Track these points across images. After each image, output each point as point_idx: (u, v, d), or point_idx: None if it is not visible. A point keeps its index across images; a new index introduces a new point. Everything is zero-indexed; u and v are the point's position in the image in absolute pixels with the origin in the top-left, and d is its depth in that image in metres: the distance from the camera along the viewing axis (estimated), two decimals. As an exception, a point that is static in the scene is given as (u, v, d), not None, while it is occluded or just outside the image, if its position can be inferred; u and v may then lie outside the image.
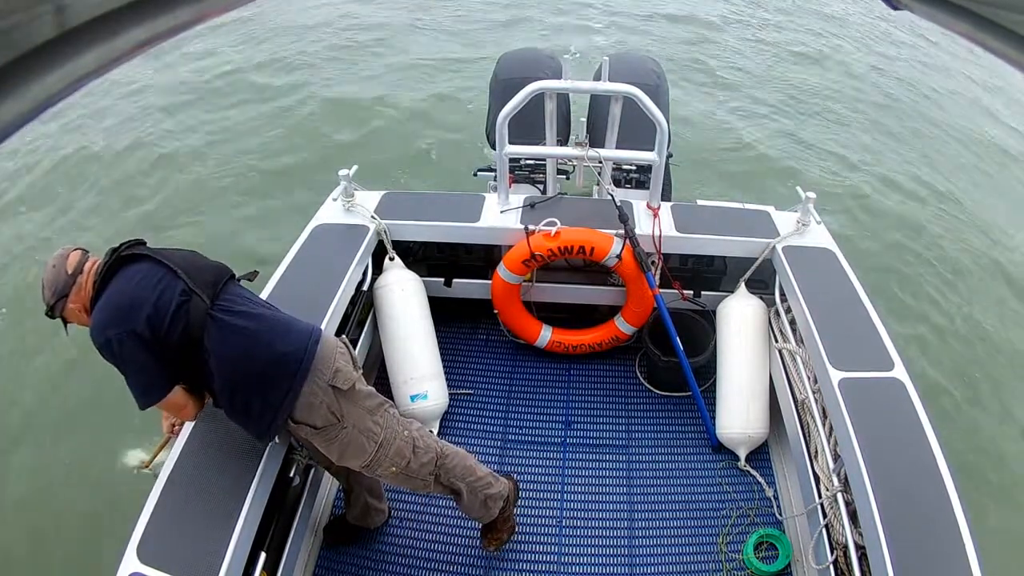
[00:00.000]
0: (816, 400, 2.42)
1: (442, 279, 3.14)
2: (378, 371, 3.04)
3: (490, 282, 2.99)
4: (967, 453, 3.60)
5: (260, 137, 6.63)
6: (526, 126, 3.04)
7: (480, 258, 3.16)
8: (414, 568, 2.42)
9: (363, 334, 2.88)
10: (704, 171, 6.01)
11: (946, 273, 5.12)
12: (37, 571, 3.08)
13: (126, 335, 1.65)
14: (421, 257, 3.21)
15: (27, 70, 0.35)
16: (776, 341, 2.78)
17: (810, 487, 2.34)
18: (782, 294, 2.76)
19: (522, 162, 3.56)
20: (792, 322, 2.71)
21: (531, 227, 2.80)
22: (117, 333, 1.65)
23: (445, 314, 3.13)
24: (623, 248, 2.77)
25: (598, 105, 3.28)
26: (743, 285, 2.92)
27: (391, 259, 2.96)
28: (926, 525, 1.77)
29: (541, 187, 3.50)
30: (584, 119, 3.20)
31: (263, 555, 1.91)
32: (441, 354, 2.93)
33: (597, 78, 2.93)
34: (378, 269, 2.95)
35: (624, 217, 2.78)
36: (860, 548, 1.94)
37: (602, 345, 3.11)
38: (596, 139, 3.02)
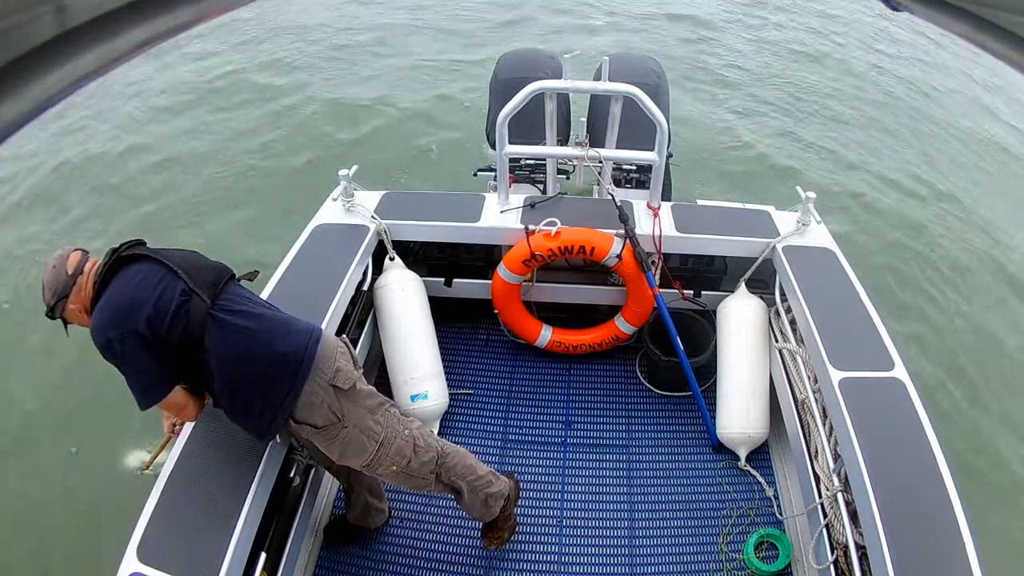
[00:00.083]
0: (816, 400, 2.42)
1: (442, 279, 3.14)
2: (378, 371, 3.04)
3: (490, 282, 2.99)
4: (967, 453, 3.60)
5: (260, 137, 6.63)
6: (526, 126, 3.04)
7: (480, 258, 3.16)
8: (414, 568, 2.42)
9: (363, 334, 2.88)
10: (704, 171, 6.00)
11: (947, 272, 5.12)
12: (37, 571, 3.08)
13: (127, 335, 1.65)
14: (421, 257, 3.21)
15: (27, 70, 0.35)
16: (776, 341, 2.78)
17: (810, 487, 2.34)
18: (782, 294, 2.76)
19: (522, 162, 3.55)
20: (792, 322, 2.70)
21: (531, 227, 2.80)
22: (118, 333, 1.65)
23: (445, 314, 3.13)
24: (623, 248, 2.77)
25: (598, 105, 3.28)
26: (743, 285, 2.92)
27: (391, 259, 2.96)
28: (926, 525, 1.77)
29: (541, 187, 3.50)
30: (584, 119, 3.20)
31: (263, 555, 1.91)
32: (441, 354, 2.93)
33: (597, 78, 2.93)
34: (378, 269, 2.95)
35: (624, 217, 2.78)
36: (860, 548, 1.94)
37: (602, 345, 3.11)
38: (596, 139, 3.02)
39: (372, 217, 2.89)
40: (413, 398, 2.78)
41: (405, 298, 2.89)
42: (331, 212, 2.94)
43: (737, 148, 6.61)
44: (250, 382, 1.76)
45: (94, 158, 6.32)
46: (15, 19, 0.33)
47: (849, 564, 1.98)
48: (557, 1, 10.29)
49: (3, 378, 4.02)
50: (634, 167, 3.55)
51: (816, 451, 2.36)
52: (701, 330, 2.99)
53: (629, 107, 2.79)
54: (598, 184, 3.32)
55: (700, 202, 3.51)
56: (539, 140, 3.08)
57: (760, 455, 2.77)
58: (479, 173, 3.90)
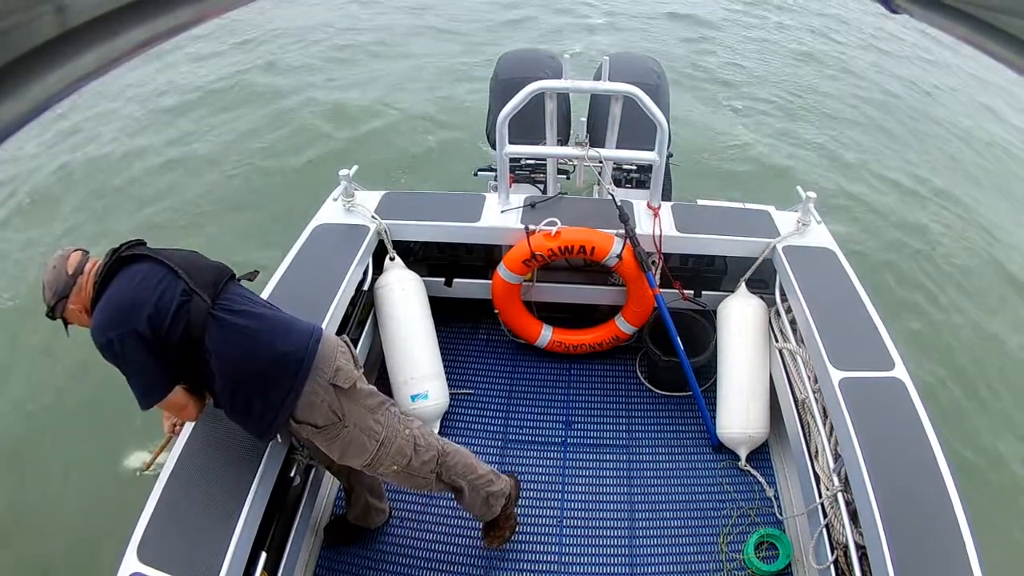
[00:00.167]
0: (816, 400, 2.42)
1: (442, 279, 3.14)
2: (379, 371, 3.04)
3: (490, 282, 2.99)
4: (967, 453, 3.60)
5: (261, 137, 6.64)
6: (526, 126, 3.04)
7: (480, 258, 3.16)
8: (415, 568, 2.42)
9: (363, 334, 2.88)
10: (704, 171, 6.01)
11: (947, 272, 5.12)
12: (37, 571, 3.08)
13: (127, 335, 1.65)
14: (421, 257, 3.21)
15: (27, 70, 0.35)
16: (776, 341, 2.78)
17: (810, 487, 2.34)
18: (782, 294, 2.76)
19: (522, 162, 3.56)
20: (792, 322, 2.70)
21: (531, 227, 2.80)
22: (118, 333, 1.65)
23: (445, 314, 3.13)
24: (623, 248, 2.77)
25: (598, 105, 3.28)
26: (743, 285, 2.92)
27: (391, 259, 2.96)
28: (926, 525, 1.77)
29: (541, 187, 3.50)
30: (584, 119, 3.20)
31: (264, 555, 1.91)
32: (442, 354, 2.93)
33: (597, 78, 2.93)
34: (378, 269, 2.95)
35: (624, 217, 2.78)
36: (860, 548, 1.94)
37: (603, 345, 3.11)
38: (596, 139, 3.02)
39: (372, 217, 2.89)
40: (413, 398, 2.78)
41: (405, 298, 2.89)
42: (331, 212, 2.94)
43: (737, 148, 6.61)
44: (250, 382, 1.76)
45: (94, 160, 6.33)
46: (15, 19, 0.33)
47: (849, 564, 1.98)
48: (557, 1, 10.29)
49: (4, 378, 4.02)
50: (634, 167, 3.55)
51: (816, 451, 2.36)
52: (701, 330, 2.99)
53: (629, 107, 2.79)
54: (598, 184, 3.32)
55: (700, 202, 3.50)
56: (539, 140, 3.08)
57: (760, 455, 2.77)
58: (479, 173, 3.90)
